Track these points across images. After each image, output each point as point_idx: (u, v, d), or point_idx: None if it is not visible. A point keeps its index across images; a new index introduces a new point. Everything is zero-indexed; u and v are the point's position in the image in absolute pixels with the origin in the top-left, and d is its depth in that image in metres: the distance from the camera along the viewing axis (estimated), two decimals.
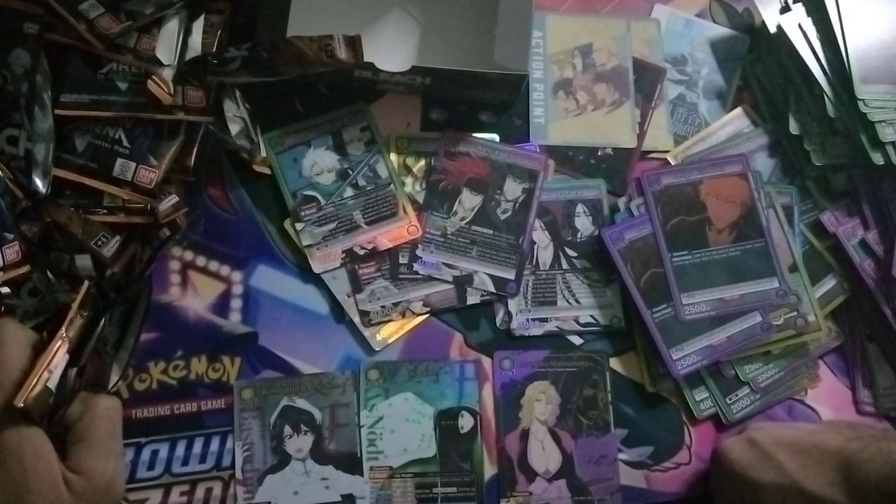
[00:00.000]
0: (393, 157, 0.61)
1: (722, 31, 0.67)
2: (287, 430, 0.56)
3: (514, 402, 0.58)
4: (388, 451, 0.56)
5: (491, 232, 0.60)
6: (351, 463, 0.55)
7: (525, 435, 0.57)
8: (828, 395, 0.60)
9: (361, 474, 0.55)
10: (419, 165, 0.61)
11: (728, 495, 0.53)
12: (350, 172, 0.60)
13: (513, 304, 0.59)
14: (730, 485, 0.53)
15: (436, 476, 0.56)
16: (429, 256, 0.59)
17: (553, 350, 0.59)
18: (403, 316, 0.58)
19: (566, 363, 0.58)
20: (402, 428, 0.56)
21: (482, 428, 0.57)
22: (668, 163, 0.63)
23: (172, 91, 0.54)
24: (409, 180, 0.61)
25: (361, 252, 0.59)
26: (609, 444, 0.57)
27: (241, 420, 0.56)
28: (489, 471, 0.56)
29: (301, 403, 0.56)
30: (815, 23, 0.60)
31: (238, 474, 0.55)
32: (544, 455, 0.57)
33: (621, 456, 0.57)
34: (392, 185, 0.60)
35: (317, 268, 0.58)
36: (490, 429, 0.57)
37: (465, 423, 0.57)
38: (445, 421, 0.57)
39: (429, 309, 0.58)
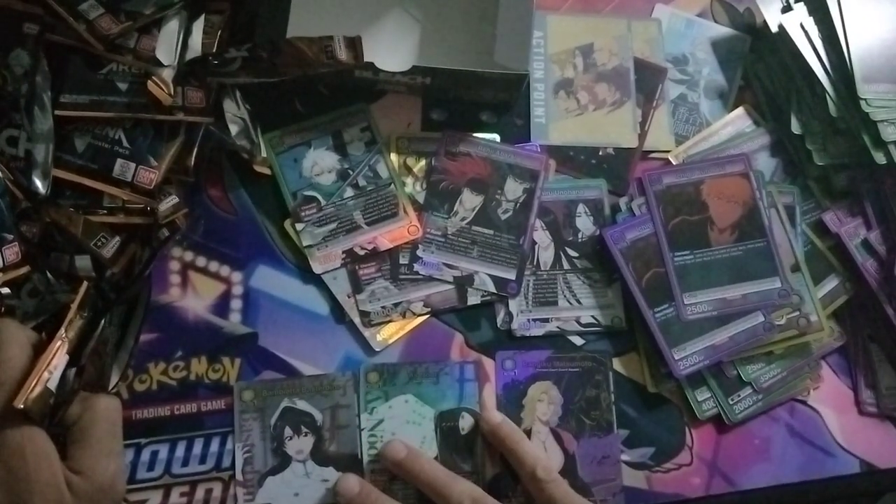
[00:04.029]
0: (393, 157, 0.61)
1: (723, 30, 0.66)
2: (287, 431, 0.56)
3: (515, 403, 0.57)
4: None
5: (492, 232, 0.60)
6: (352, 464, 0.55)
7: (527, 435, 0.57)
8: (830, 396, 0.59)
9: (362, 476, 0.55)
10: (420, 165, 0.61)
11: None
12: (350, 173, 0.60)
13: (514, 305, 0.59)
14: None
15: None
16: (429, 257, 0.59)
17: (555, 350, 0.58)
18: (404, 316, 0.58)
19: (569, 363, 0.58)
20: (402, 430, 0.56)
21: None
22: (670, 162, 0.62)
23: (172, 91, 0.54)
24: (409, 180, 0.61)
25: (362, 252, 0.58)
26: (611, 444, 0.57)
27: (241, 421, 0.56)
28: (491, 471, 0.56)
29: (301, 405, 0.56)
30: (817, 22, 0.60)
31: (238, 476, 0.55)
32: (546, 456, 0.57)
33: (622, 457, 0.57)
34: (392, 186, 0.60)
35: (317, 268, 0.58)
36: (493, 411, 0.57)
37: (466, 424, 0.57)
38: (446, 422, 0.57)
39: (429, 309, 0.58)
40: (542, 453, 0.56)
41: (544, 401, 0.58)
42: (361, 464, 0.55)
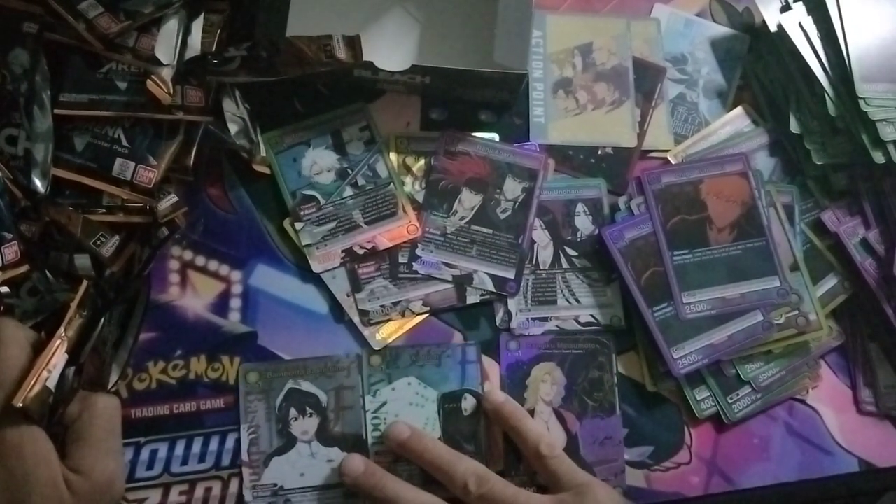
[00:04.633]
0: (392, 156, 0.61)
1: (722, 30, 0.66)
2: (292, 412, 0.56)
3: (519, 383, 0.58)
4: None
5: (491, 231, 0.60)
6: (356, 445, 0.56)
7: (530, 415, 0.57)
8: (829, 395, 0.60)
9: (367, 457, 0.55)
10: (419, 165, 0.61)
11: None
12: (349, 172, 0.60)
13: (513, 304, 0.59)
14: None
15: None
16: (428, 256, 0.59)
17: (558, 333, 0.59)
18: (403, 315, 0.58)
19: (572, 345, 0.58)
20: (405, 412, 0.56)
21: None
22: (669, 162, 0.62)
23: (172, 91, 0.54)
24: (408, 180, 0.61)
25: (361, 251, 0.58)
26: (614, 425, 0.57)
27: (246, 403, 0.56)
28: (493, 452, 0.56)
29: (306, 386, 0.56)
30: (816, 21, 0.60)
31: (244, 457, 0.55)
32: (549, 433, 0.57)
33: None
34: (392, 185, 0.60)
35: (316, 267, 0.58)
36: None
37: (469, 405, 0.57)
38: (449, 404, 0.57)
39: (428, 308, 0.58)
40: (545, 430, 0.56)
41: (548, 381, 0.58)
42: (366, 444, 0.56)
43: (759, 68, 0.64)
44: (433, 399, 0.57)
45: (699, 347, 0.57)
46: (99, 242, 0.54)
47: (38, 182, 0.52)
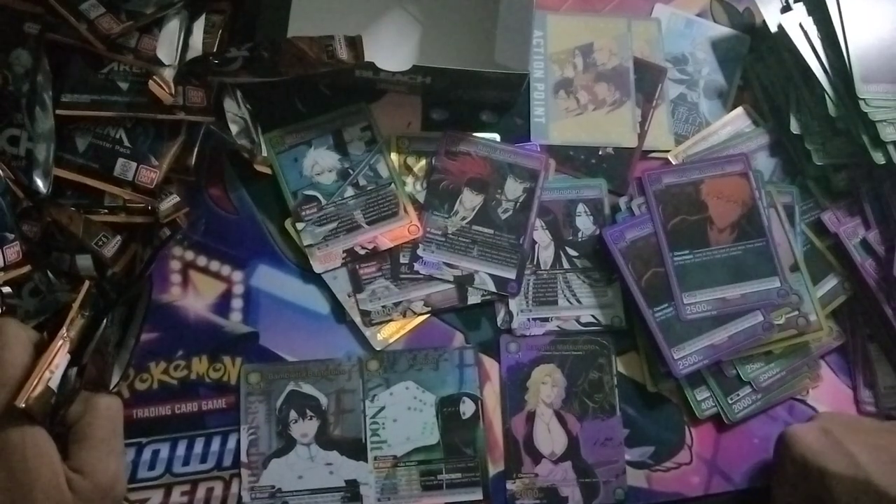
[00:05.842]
0: (394, 156, 0.61)
1: (723, 30, 0.67)
2: (293, 414, 0.56)
3: (520, 385, 0.58)
4: (392, 440, 0.56)
5: (492, 231, 0.60)
6: (356, 449, 0.56)
7: (531, 417, 0.57)
8: (829, 395, 0.60)
9: (366, 461, 0.55)
10: (420, 165, 0.61)
11: (793, 482, 0.52)
12: (351, 172, 0.60)
13: (514, 304, 0.59)
14: (795, 471, 0.52)
15: (440, 463, 0.56)
16: (429, 256, 0.59)
17: (559, 333, 0.59)
18: (404, 316, 0.58)
19: (572, 346, 0.59)
20: (404, 416, 0.56)
21: (484, 413, 0.57)
22: (669, 162, 0.63)
23: (173, 91, 0.54)
24: (409, 180, 0.61)
25: (362, 252, 0.59)
26: (614, 426, 0.57)
27: (247, 404, 0.56)
28: (494, 454, 0.57)
29: (307, 389, 0.56)
30: (816, 22, 0.60)
31: (243, 458, 0.55)
32: (550, 437, 0.57)
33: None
34: (393, 185, 0.60)
35: (317, 268, 0.58)
36: (494, 414, 0.57)
37: (467, 409, 0.57)
38: (447, 408, 0.57)
39: (430, 309, 0.58)
40: None
41: (548, 383, 0.58)
42: (365, 449, 0.56)
43: (760, 69, 0.64)
44: (431, 403, 0.57)
45: (700, 348, 0.57)
46: (101, 243, 0.54)
47: (39, 182, 0.52)
